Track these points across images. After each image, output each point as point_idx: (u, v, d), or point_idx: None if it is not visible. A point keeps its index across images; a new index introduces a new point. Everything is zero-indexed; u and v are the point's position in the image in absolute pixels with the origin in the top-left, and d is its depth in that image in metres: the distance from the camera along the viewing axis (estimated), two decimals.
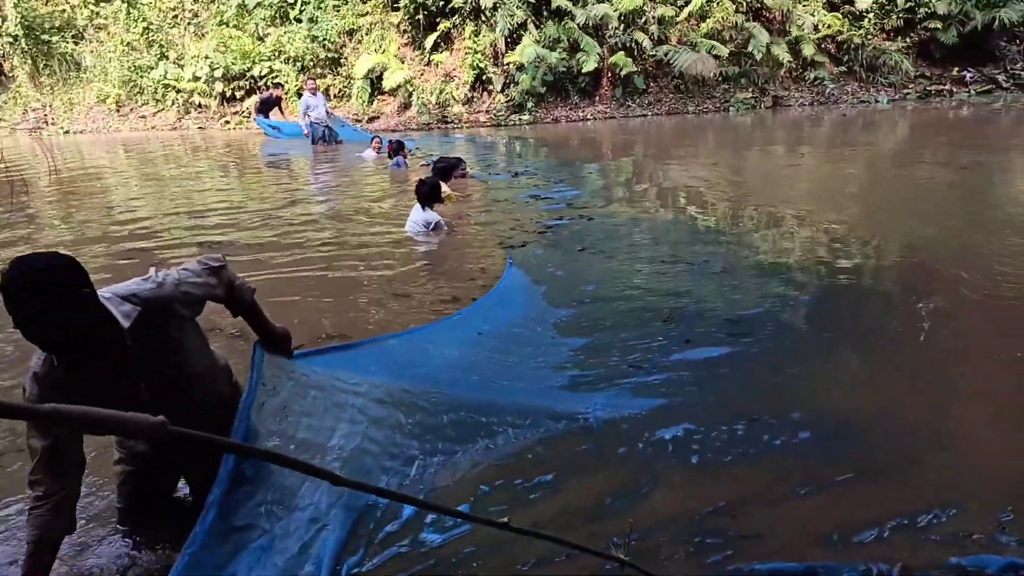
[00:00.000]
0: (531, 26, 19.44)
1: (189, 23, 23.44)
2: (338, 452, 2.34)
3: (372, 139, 13.71)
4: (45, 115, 24.10)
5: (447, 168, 8.39)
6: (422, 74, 20.63)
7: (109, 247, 6.88)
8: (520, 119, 19.74)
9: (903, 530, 2.32)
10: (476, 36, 19.81)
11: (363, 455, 2.41)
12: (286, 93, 19.47)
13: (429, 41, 20.11)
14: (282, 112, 18.33)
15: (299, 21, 21.67)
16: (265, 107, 18.26)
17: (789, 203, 7.77)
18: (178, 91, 22.66)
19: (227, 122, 22.18)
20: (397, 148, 11.40)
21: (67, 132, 23.38)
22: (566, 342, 3.98)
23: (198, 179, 12.04)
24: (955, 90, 19.93)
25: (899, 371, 3.62)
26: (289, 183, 11.58)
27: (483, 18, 19.65)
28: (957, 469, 2.69)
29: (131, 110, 23.73)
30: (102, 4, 24.04)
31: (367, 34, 21.25)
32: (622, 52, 19.29)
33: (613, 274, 5.40)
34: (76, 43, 24.13)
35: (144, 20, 23.22)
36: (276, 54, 21.41)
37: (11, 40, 23.41)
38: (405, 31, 20.91)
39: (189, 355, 2.15)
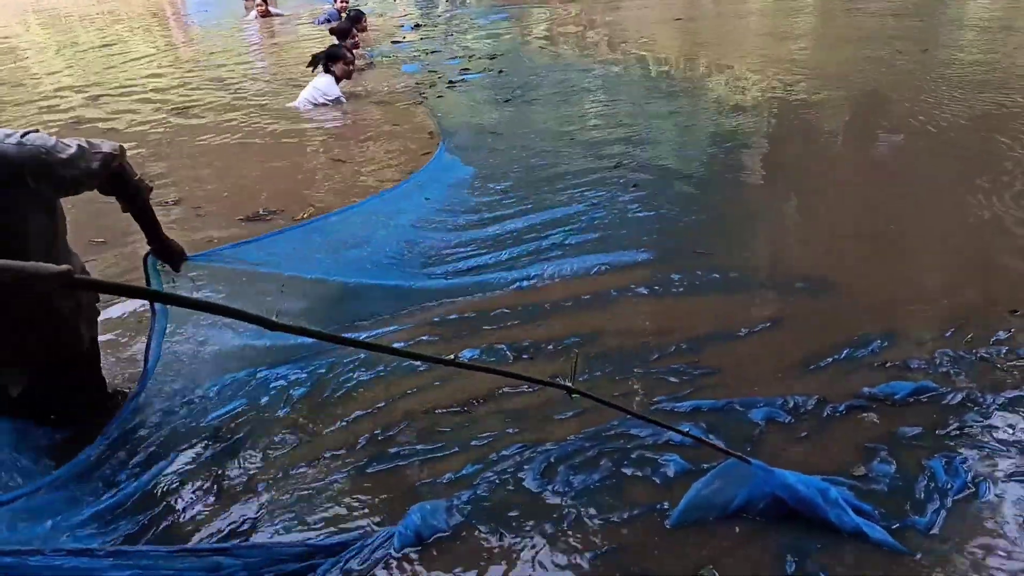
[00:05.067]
0: None
1: None
2: None
3: None
4: None
5: (343, 30, 7.57)
6: None
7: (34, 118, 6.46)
8: None
9: (826, 366, 2.41)
10: None
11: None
12: None
13: None
14: None
15: None
16: None
17: (740, 43, 7.62)
18: None
19: None
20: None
21: None
22: (510, 201, 3.97)
23: (118, 47, 11.21)
24: None
25: (838, 211, 3.73)
26: (216, 48, 10.86)
27: None
28: (884, 304, 2.78)
29: None
30: None
31: None
32: None
33: (549, 124, 5.35)
34: None
35: None
36: None
37: None
38: None
39: (20, 234, 1.81)
